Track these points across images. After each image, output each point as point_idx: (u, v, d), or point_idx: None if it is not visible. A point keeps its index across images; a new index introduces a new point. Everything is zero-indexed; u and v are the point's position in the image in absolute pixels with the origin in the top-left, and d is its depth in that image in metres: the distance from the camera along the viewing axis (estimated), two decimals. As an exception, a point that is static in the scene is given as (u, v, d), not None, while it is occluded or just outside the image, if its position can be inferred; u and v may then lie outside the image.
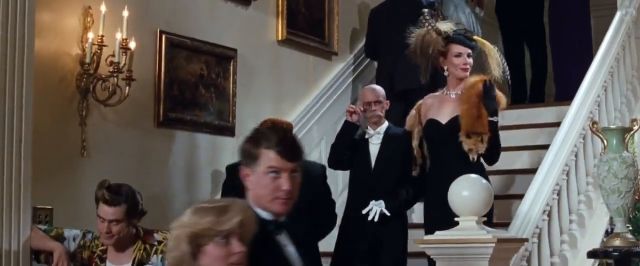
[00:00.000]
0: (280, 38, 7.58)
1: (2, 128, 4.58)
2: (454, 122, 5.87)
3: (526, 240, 5.65)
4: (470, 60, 6.02)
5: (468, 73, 5.99)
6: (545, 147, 6.84)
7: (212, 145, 6.79)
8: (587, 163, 6.88)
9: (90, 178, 5.61)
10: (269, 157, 3.45)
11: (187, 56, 6.64)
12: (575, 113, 6.89)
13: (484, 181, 4.94)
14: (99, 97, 5.88)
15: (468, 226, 4.79)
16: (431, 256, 4.85)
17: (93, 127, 5.89)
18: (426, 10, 6.17)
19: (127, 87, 5.92)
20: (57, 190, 5.57)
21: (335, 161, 6.61)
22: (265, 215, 3.48)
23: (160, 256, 4.83)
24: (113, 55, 5.84)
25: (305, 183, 3.63)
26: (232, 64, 7.01)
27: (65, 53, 5.79)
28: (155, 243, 4.86)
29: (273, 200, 3.47)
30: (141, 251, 4.83)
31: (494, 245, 4.71)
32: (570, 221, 6.66)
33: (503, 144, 8.26)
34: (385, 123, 6.53)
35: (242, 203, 3.35)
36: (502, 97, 5.97)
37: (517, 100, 9.09)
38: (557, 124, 7.03)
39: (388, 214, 6.21)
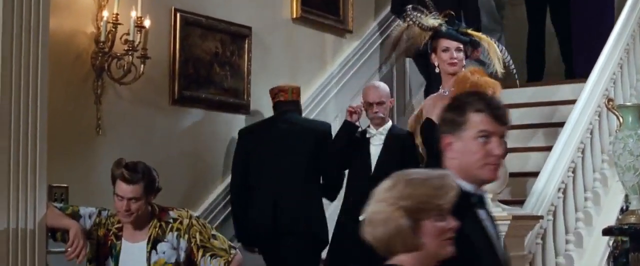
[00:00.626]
0: (294, 16, 7.56)
1: (18, 107, 4.59)
2: None
3: (541, 217, 5.67)
4: (460, 55, 5.71)
5: (457, 68, 5.70)
6: (561, 125, 6.83)
7: (226, 123, 6.80)
8: (602, 141, 6.87)
9: (105, 156, 5.63)
10: (478, 120, 3.28)
11: (201, 34, 6.64)
12: (591, 91, 6.87)
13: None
14: (114, 75, 5.89)
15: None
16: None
17: (108, 105, 5.89)
18: (410, 5, 5.86)
19: (142, 65, 5.92)
20: (72, 168, 5.59)
21: (332, 159, 6.32)
22: (467, 186, 3.29)
23: (175, 233, 4.85)
24: (128, 34, 5.84)
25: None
26: (246, 41, 7.00)
27: (80, 31, 5.79)
28: (171, 220, 4.88)
29: (483, 166, 3.29)
30: (157, 229, 4.84)
31: (509, 222, 4.73)
32: (586, 199, 6.65)
33: (519, 122, 8.32)
34: (389, 123, 6.28)
35: (448, 174, 3.14)
36: (492, 84, 5.53)
37: (534, 78, 9.02)
38: (573, 101, 7.01)
39: None
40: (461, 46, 5.71)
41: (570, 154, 6.43)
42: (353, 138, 6.15)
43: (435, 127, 5.60)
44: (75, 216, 4.86)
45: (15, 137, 4.57)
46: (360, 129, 6.21)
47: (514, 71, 5.93)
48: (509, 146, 6.82)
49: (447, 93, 5.62)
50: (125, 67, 5.87)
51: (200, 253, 4.88)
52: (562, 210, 6.30)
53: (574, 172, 6.49)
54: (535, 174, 6.43)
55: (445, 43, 5.71)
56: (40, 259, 4.67)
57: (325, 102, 7.69)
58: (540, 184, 6.03)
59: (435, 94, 5.88)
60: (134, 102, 6.08)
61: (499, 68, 5.74)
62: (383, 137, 6.16)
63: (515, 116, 8.28)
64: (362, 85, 6.76)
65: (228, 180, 6.64)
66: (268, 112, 6.98)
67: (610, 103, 5.74)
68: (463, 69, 5.70)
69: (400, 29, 5.91)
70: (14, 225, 4.55)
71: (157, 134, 6.23)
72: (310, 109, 7.39)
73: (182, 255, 4.84)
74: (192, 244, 4.87)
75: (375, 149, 6.16)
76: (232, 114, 6.85)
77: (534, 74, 9.08)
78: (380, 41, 8.35)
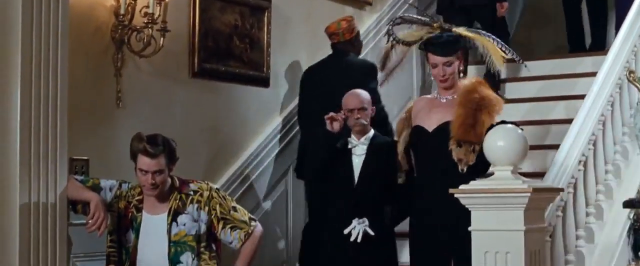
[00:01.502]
0: (314, -12, 7.55)
1: (38, 80, 4.61)
2: (442, 130, 5.28)
3: (562, 189, 5.64)
4: (449, 69, 5.34)
5: (448, 83, 5.38)
6: (582, 97, 6.80)
7: (246, 96, 6.80)
8: (623, 113, 6.84)
9: (125, 129, 5.64)
10: None
11: (221, 7, 6.62)
12: (612, 63, 6.83)
13: (520, 131, 4.92)
14: (134, 48, 5.89)
15: (503, 176, 4.78)
16: (466, 206, 4.84)
17: (128, 78, 5.90)
18: (393, 21, 5.60)
19: (162, 38, 5.92)
20: (93, 141, 5.61)
21: (309, 171, 6.03)
22: None
23: (195, 205, 4.86)
24: (147, 6, 5.82)
25: None
26: (266, 14, 6.99)
27: (99, 4, 5.79)
28: (191, 192, 4.89)
29: None
30: (177, 201, 4.86)
31: (529, 194, 4.71)
32: (606, 172, 6.63)
33: (540, 94, 8.28)
34: (371, 132, 5.84)
35: None
36: (498, 100, 5.30)
37: (575, 48, 8.98)
38: (594, 74, 6.98)
39: (372, 234, 5.59)
40: (450, 60, 5.34)
41: (591, 127, 6.40)
42: (334, 149, 5.75)
43: (426, 135, 5.34)
44: (96, 188, 4.88)
45: (36, 110, 4.60)
46: (342, 140, 5.80)
47: (517, 58, 5.59)
48: (530, 118, 6.82)
49: (444, 100, 5.39)
50: (145, 40, 5.87)
51: (220, 225, 4.90)
52: (583, 182, 6.28)
53: (594, 144, 6.46)
54: (555, 147, 6.40)
55: (432, 59, 5.40)
56: (62, 231, 4.70)
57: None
58: (560, 157, 6.01)
59: (428, 96, 5.61)
60: (154, 74, 6.08)
61: (500, 67, 5.43)
62: (365, 147, 5.77)
63: (536, 88, 8.28)
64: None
65: (247, 152, 6.67)
66: (287, 84, 7.00)
67: (632, 75, 5.71)
68: (462, 80, 5.41)
69: (385, 49, 5.64)
70: (35, 198, 4.57)
71: (176, 107, 6.24)
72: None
73: (203, 227, 4.86)
74: (213, 216, 4.89)
75: (357, 160, 5.78)
76: (252, 87, 6.84)
77: (576, 45, 9.02)
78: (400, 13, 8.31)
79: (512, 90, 8.48)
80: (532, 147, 5.32)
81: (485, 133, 4.82)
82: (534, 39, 9.97)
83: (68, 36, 4.77)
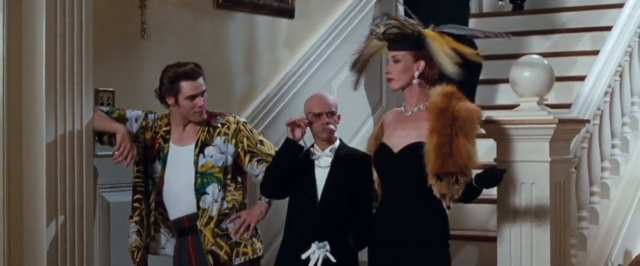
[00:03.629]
0: None
1: (63, 11, 4.61)
2: (409, 150, 4.44)
3: (587, 121, 5.64)
4: (398, 66, 4.49)
5: (396, 84, 4.54)
6: (608, 28, 6.76)
7: (271, 27, 6.78)
8: (651, 44, 6.80)
9: (150, 60, 5.65)
10: None
11: (245, -63, 6.58)
12: (640, -6, 6.78)
13: (546, 61, 4.91)
14: (158, -21, 5.88)
15: (529, 107, 4.79)
16: (493, 138, 4.83)
17: (152, 9, 5.88)
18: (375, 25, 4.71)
19: (186, -31, 5.91)
20: (118, 72, 5.61)
21: (269, 188, 4.97)
22: None
23: (223, 138, 4.88)
24: (172, -63, 5.81)
25: None
26: (291, -56, 6.95)
27: None
28: (219, 125, 4.91)
29: None
30: (204, 133, 4.88)
31: (555, 126, 4.71)
32: (632, 104, 6.62)
33: (566, 26, 8.21)
34: (337, 142, 4.95)
35: None
36: (472, 112, 4.38)
37: None
38: (621, 5, 6.93)
39: (333, 261, 4.77)
40: (397, 55, 4.51)
41: (618, 58, 6.37)
42: (296, 161, 4.89)
43: (391, 155, 4.50)
44: (122, 119, 4.90)
45: (61, 42, 4.60)
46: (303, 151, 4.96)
47: (505, 35, 4.86)
48: (556, 49, 6.75)
49: (409, 113, 4.55)
50: (169, -29, 5.86)
51: (247, 158, 4.92)
52: (609, 114, 6.27)
53: (621, 76, 6.44)
54: (582, 78, 6.38)
55: (388, 53, 4.63)
56: (88, 162, 4.73)
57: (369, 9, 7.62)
58: (586, 88, 5.99)
59: (398, 109, 4.72)
60: (179, 6, 6.06)
61: (450, 69, 4.44)
62: (329, 159, 4.91)
63: (563, 20, 8.23)
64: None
65: (272, 84, 6.67)
66: (311, 16, 6.96)
67: (660, 6, 5.65)
68: (432, 90, 4.50)
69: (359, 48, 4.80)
70: (61, 130, 4.60)
71: (201, 38, 6.23)
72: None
73: (229, 159, 4.88)
74: (239, 149, 4.91)
75: (321, 174, 4.90)
76: (276, 18, 6.82)
77: None
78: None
79: (540, 21, 8.42)
80: (558, 79, 5.29)
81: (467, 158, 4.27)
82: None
83: (92, -33, 4.76)
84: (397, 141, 4.50)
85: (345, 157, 4.89)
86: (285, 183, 4.90)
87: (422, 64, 4.48)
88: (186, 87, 4.77)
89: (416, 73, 4.48)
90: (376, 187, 4.74)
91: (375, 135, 4.74)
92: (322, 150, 4.90)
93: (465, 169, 4.27)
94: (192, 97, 4.78)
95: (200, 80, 4.82)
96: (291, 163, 4.84)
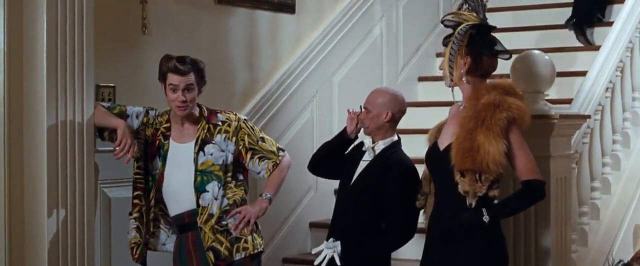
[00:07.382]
0: None
1: (64, 6, 4.61)
2: (448, 150, 4.24)
3: (588, 116, 5.64)
4: (442, 63, 4.34)
5: (446, 81, 4.32)
6: (610, 24, 6.76)
7: (272, 23, 6.77)
8: (652, 39, 6.80)
9: (151, 55, 5.64)
10: None
11: None
12: (641, -11, 6.77)
13: (547, 57, 4.90)
14: (159, -26, 5.88)
15: (530, 103, 4.77)
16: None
17: (154, 4, 5.88)
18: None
19: (187, -36, 5.90)
20: (119, 68, 5.61)
21: (312, 161, 5.08)
22: None
23: (223, 135, 4.87)
24: None
25: None
26: (291, -62, 6.94)
27: None
28: (219, 123, 4.89)
29: None
30: (205, 131, 4.86)
31: (556, 121, 4.70)
32: (633, 99, 6.62)
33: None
34: (389, 141, 4.79)
35: None
36: (525, 110, 4.18)
37: None
38: (622, 0, 6.92)
39: (338, 264, 4.67)
40: (445, 51, 4.31)
41: (619, 53, 6.37)
42: (341, 147, 4.94)
43: (436, 153, 4.34)
44: (123, 115, 4.89)
45: (62, 37, 4.60)
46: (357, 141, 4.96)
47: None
48: (558, 45, 6.72)
49: (461, 108, 4.34)
50: (170, -34, 5.85)
51: (248, 156, 4.90)
52: (610, 109, 6.27)
53: (622, 71, 6.43)
54: (583, 73, 6.38)
55: None
56: (89, 158, 4.73)
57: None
58: (588, 83, 5.99)
59: (457, 104, 4.44)
60: (179, 1, 6.06)
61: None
62: (372, 155, 4.80)
63: (565, 15, 8.22)
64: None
65: (273, 80, 6.67)
66: (312, 12, 6.95)
67: (662, 1, 5.64)
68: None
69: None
70: (62, 125, 4.59)
71: (202, 33, 6.23)
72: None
73: (230, 157, 4.86)
74: (241, 147, 4.89)
75: (361, 168, 4.82)
76: (277, 13, 6.82)
77: None
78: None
79: (540, 16, 8.42)
80: (560, 74, 5.29)
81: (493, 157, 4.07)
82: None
83: (93, -38, 4.75)
84: (445, 138, 4.34)
85: (380, 159, 4.75)
86: (326, 164, 4.97)
87: (468, 60, 4.24)
88: (170, 79, 4.74)
89: (463, 71, 4.25)
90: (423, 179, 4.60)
91: (438, 127, 4.54)
92: (373, 144, 4.79)
93: (485, 167, 4.07)
94: (173, 89, 4.76)
95: (186, 76, 4.72)
96: (335, 147, 4.93)
